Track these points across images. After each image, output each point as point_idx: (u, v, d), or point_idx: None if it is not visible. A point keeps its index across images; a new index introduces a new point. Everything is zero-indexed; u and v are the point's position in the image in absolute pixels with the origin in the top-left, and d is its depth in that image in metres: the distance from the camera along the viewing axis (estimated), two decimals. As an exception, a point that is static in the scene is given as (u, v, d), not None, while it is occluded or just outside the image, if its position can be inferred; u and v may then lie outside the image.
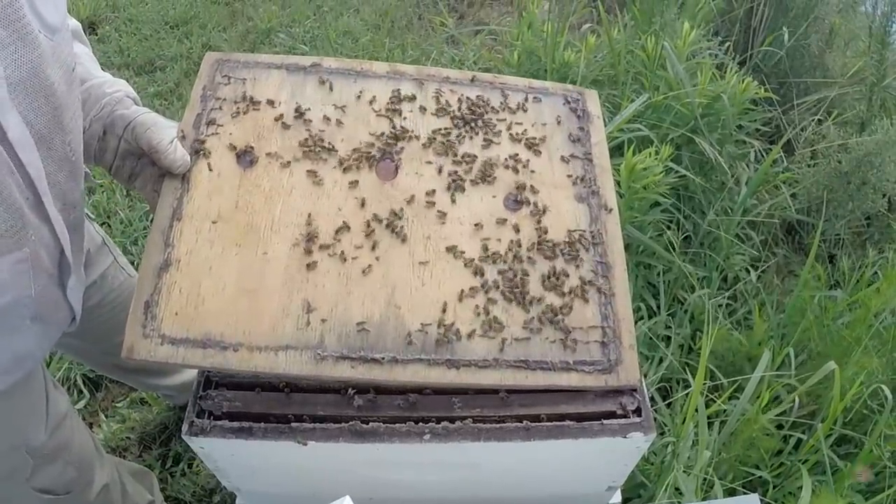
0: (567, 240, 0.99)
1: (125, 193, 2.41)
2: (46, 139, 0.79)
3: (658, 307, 1.84)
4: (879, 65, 2.19)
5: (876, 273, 1.89)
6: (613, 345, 0.93)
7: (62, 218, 0.86)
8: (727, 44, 2.44)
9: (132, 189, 1.05)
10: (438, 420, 0.94)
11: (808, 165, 2.16)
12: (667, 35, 2.10)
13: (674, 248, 1.90)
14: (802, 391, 1.49)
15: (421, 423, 0.94)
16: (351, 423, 0.94)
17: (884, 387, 1.43)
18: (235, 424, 0.94)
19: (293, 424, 0.94)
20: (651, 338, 1.78)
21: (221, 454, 0.98)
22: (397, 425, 0.93)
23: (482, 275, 0.95)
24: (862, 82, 2.33)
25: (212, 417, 0.95)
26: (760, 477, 1.46)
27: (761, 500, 1.24)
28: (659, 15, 2.12)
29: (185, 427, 0.94)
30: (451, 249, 0.96)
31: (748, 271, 2.00)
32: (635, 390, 0.93)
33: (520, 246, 0.98)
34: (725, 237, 1.94)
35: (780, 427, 1.52)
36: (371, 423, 0.93)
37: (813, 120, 2.29)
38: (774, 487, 1.45)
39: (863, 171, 1.96)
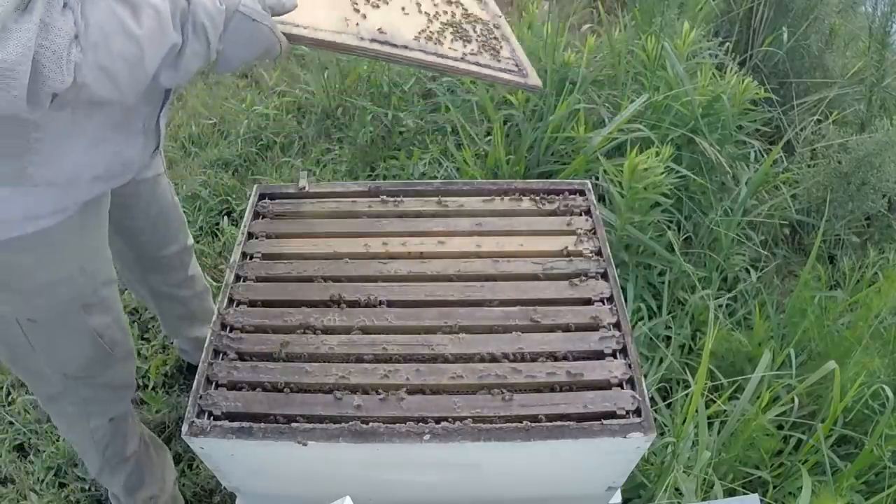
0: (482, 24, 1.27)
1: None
2: None
3: (659, 308, 1.84)
4: (879, 65, 2.19)
5: (876, 273, 1.88)
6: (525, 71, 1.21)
7: None
8: (727, 44, 2.44)
9: None
10: (438, 420, 0.94)
11: (809, 166, 2.16)
12: (667, 35, 2.10)
13: (674, 249, 1.90)
14: (803, 392, 1.49)
15: (421, 423, 0.94)
16: (351, 423, 0.94)
17: (885, 387, 1.43)
18: (235, 425, 0.94)
19: (293, 424, 0.94)
20: (651, 338, 1.78)
21: (221, 454, 0.98)
22: (397, 425, 0.93)
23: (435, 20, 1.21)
24: (862, 82, 2.33)
25: (212, 417, 0.95)
26: (760, 477, 1.45)
27: (761, 501, 1.24)
28: (659, 15, 2.12)
29: (185, 427, 0.94)
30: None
31: (748, 271, 2.00)
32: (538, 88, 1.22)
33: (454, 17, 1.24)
34: (725, 238, 1.94)
35: (780, 427, 1.52)
36: (371, 423, 0.94)
37: (813, 120, 2.29)
38: (774, 488, 1.45)
39: (863, 172, 1.96)
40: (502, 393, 0.98)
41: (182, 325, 1.77)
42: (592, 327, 1.07)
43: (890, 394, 1.41)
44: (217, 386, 1.00)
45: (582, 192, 1.32)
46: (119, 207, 1.29)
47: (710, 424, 1.50)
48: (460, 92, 2.46)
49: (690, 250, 2.01)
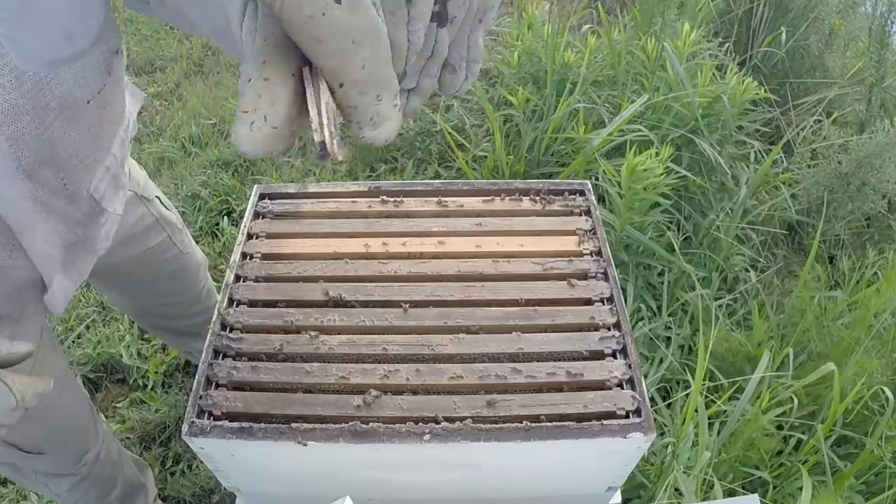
0: None
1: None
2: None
3: (658, 308, 1.84)
4: (879, 65, 2.20)
5: (876, 274, 1.89)
6: None
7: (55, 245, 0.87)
8: (727, 44, 2.44)
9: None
10: (438, 420, 0.94)
11: (808, 166, 2.16)
12: (667, 36, 2.10)
13: (674, 249, 1.90)
14: (802, 392, 1.49)
15: (421, 424, 0.94)
16: (351, 423, 0.94)
17: (885, 388, 1.43)
18: (235, 425, 0.94)
19: (293, 425, 0.94)
20: (651, 338, 1.78)
21: (221, 455, 0.98)
22: (397, 426, 0.93)
23: None
24: (861, 83, 2.33)
25: (212, 418, 0.95)
26: (760, 478, 1.45)
27: (761, 501, 1.24)
28: (659, 16, 2.12)
29: (185, 427, 0.94)
30: None
31: (748, 271, 2.00)
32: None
33: None
34: (725, 238, 1.94)
35: (780, 427, 1.52)
36: (371, 424, 0.94)
37: (812, 120, 2.29)
38: (774, 488, 1.45)
39: (863, 172, 1.96)
40: (501, 393, 0.98)
41: (192, 341, 1.66)
42: (592, 327, 1.07)
43: (890, 395, 1.41)
44: (217, 386, 1.00)
45: (582, 193, 1.32)
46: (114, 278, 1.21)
47: (710, 425, 1.50)
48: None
49: (690, 250, 2.01)
